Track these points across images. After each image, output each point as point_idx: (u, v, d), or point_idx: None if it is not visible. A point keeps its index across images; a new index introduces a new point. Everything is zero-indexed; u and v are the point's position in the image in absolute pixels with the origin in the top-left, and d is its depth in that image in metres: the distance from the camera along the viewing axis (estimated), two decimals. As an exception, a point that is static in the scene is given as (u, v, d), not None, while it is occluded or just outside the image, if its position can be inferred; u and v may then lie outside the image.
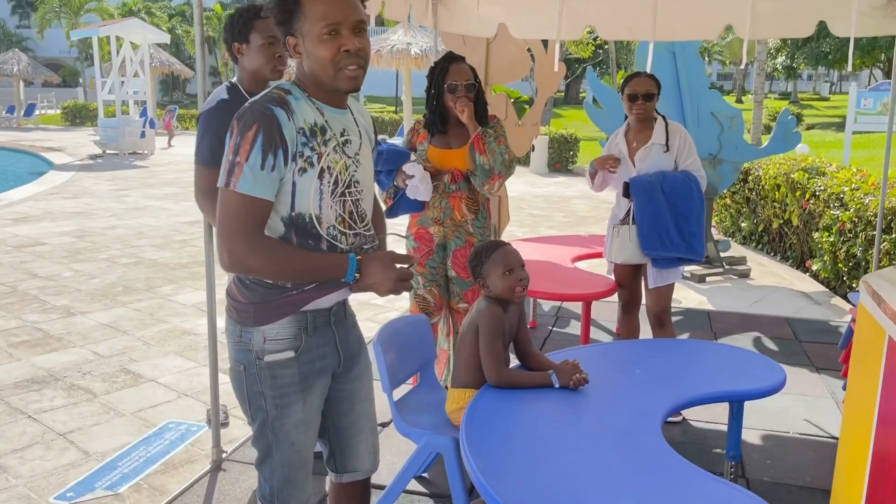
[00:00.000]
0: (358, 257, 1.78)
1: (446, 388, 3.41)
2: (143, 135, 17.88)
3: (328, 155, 1.76)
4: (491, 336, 2.44)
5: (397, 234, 2.09)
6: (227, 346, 1.89)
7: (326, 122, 1.77)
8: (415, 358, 2.89)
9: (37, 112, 28.55)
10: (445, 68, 3.23)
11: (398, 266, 1.81)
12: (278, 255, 1.70)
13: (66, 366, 4.38)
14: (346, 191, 1.82)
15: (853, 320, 3.72)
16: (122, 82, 18.29)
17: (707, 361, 2.80)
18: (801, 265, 7.00)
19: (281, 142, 1.67)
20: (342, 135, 1.81)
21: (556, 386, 2.42)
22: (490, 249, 2.53)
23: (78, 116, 28.28)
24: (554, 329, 5.07)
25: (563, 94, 38.95)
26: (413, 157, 3.34)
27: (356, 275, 1.77)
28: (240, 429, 3.54)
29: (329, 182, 1.77)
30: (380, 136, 3.35)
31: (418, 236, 3.40)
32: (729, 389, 2.53)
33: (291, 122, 1.69)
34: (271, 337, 1.79)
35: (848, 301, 5.76)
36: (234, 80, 2.79)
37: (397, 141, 3.64)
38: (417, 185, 3.24)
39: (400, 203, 3.39)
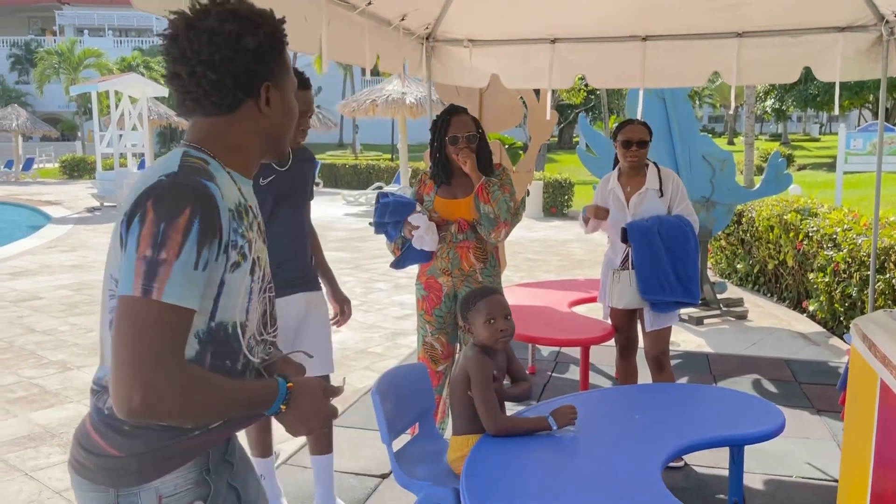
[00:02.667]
0: (288, 384, 1.37)
1: (442, 429, 3.42)
2: (140, 187, 17.98)
3: (254, 242, 1.38)
4: (483, 386, 2.47)
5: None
6: None
7: (245, 198, 1.40)
8: (414, 407, 2.88)
9: (35, 166, 28.77)
10: (447, 121, 3.30)
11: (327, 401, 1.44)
12: (210, 392, 1.24)
13: (63, 422, 4.34)
14: (270, 285, 1.46)
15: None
16: (121, 135, 18.49)
17: (705, 405, 2.80)
18: (797, 306, 7.02)
19: (219, 230, 1.26)
20: (257, 215, 1.44)
21: (555, 429, 2.42)
22: (477, 297, 2.58)
23: (76, 170, 28.51)
24: (553, 375, 5.05)
25: (556, 139, 39.42)
26: (419, 207, 3.40)
27: (282, 407, 1.36)
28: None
29: (259, 278, 1.39)
30: (377, 183, 3.40)
31: (428, 286, 3.44)
32: (728, 434, 2.53)
33: (224, 201, 1.29)
34: (169, 493, 1.33)
35: (845, 342, 5.76)
36: None
37: (394, 188, 3.70)
38: (423, 235, 3.29)
39: (408, 254, 3.45)
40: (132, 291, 1.19)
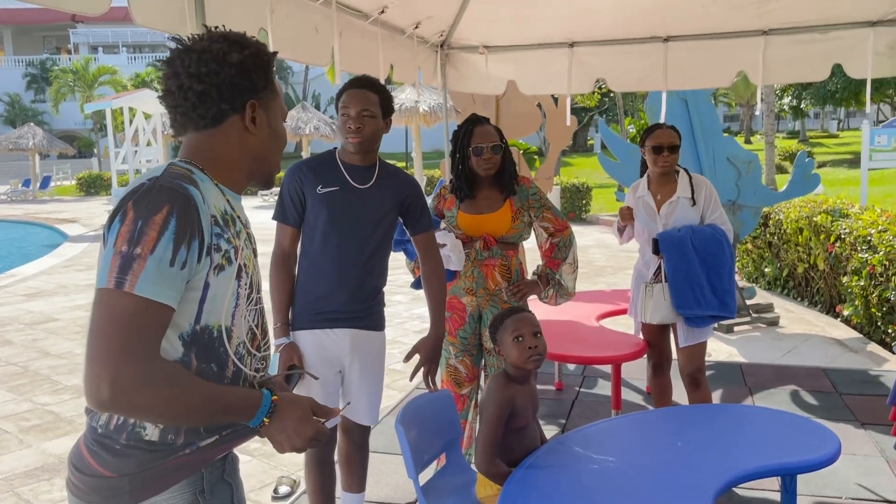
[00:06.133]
0: (273, 397, 1.35)
1: (469, 455, 3.24)
2: (156, 202, 17.97)
3: (242, 249, 1.40)
4: (493, 423, 2.36)
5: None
6: None
7: (234, 209, 1.43)
8: (440, 437, 2.72)
9: (52, 184, 28.99)
10: (470, 131, 3.11)
11: (315, 420, 1.40)
12: (180, 388, 1.22)
13: (78, 450, 4.22)
14: (258, 296, 1.46)
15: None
16: (136, 151, 18.52)
17: (753, 429, 2.62)
18: (830, 310, 6.79)
19: (198, 231, 1.27)
20: (246, 226, 1.47)
21: None
22: (504, 316, 2.47)
23: (93, 186, 28.68)
24: (581, 390, 4.87)
25: (570, 143, 39.17)
26: (443, 224, 3.22)
27: (265, 419, 1.34)
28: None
29: (246, 284, 1.39)
30: None
31: (450, 306, 3.24)
32: (781, 462, 2.35)
33: (206, 206, 1.32)
34: None
35: (891, 350, 5.52)
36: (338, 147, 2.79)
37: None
38: (449, 254, 3.07)
39: None
40: (106, 284, 1.21)
